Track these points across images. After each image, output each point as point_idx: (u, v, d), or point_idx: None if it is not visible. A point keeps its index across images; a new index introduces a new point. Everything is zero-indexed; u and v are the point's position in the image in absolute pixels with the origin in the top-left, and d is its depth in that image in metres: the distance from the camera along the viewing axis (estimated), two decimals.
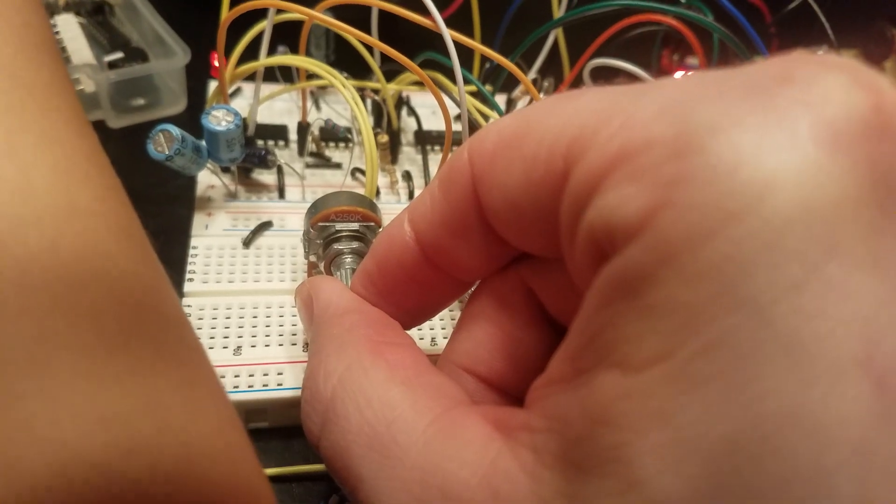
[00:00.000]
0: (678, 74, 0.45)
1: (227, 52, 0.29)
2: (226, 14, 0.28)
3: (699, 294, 0.10)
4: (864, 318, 0.10)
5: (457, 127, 0.36)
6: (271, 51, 0.36)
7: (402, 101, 0.37)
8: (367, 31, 0.33)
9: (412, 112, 0.37)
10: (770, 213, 0.10)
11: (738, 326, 0.10)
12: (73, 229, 0.14)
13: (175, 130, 0.27)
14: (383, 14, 0.27)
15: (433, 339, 0.28)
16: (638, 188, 0.11)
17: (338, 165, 0.34)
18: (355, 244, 0.26)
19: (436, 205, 0.17)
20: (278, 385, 0.24)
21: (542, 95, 0.38)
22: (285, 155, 0.34)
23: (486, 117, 0.32)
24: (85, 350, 0.13)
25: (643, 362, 0.11)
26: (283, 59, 0.29)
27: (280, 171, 0.32)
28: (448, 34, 0.26)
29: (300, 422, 0.17)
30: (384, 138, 0.33)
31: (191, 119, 0.37)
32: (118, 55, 0.35)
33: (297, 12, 0.25)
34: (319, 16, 0.25)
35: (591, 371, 0.12)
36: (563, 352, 0.13)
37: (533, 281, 0.18)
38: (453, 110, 0.29)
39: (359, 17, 0.30)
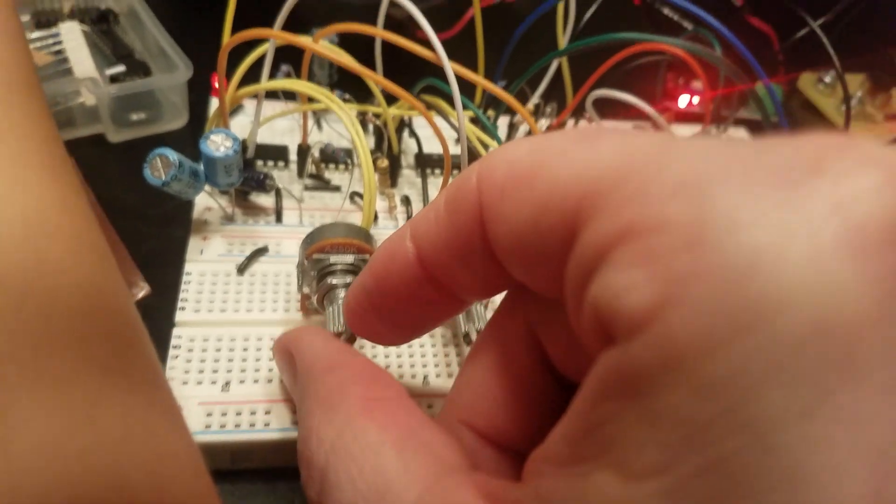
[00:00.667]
0: (683, 98, 0.45)
1: (230, 71, 0.29)
2: (227, 39, 0.28)
3: (703, 409, 0.10)
4: (878, 451, 0.10)
5: (455, 150, 0.36)
6: (274, 70, 0.35)
7: (403, 124, 0.37)
8: (371, 52, 0.33)
9: (413, 134, 0.37)
10: (784, 329, 0.10)
11: (740, 450, 0.10)
12: (40, 287, 0.14)
13: (173, 155, 0.27)
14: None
15: (425, 378, 0.27)
16: (647, 275, 0.11)
17: (337, 188, 0.34)
18: (349, 278, 0.26)
19: (441, 225, 0.17)
20: (265, 426, 0.24)
21: (543, 121, 0.38)
22: (284, 176, 0.34)
23: (485, 145, 0.31)
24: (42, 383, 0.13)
25: (642, 471, 0.11)
26: (283, 83, 0.29)
27: (278, 194, 0.32)
28: (449, 67, 0.26)
29: (286, 463, 0.17)
30: (384, 163, 0.33)
31: (192, 134, 0.37)
32: (120, 68, 0.35)
33: (297, 44, 0.24)
34: (318, 48, 0.25)
35: (588, 463, 0.12)
36: (562, 430, 0.13)
37: (539, 327, 0.17)
38: (454, 135, 0.29)
39: (363, 39, 0.29)
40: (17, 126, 0.16)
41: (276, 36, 0.24)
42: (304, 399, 0.18)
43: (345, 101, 0.36)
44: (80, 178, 0.19)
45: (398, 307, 0.19)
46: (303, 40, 0.25)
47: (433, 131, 0.27)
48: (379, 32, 0.26)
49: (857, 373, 0.10)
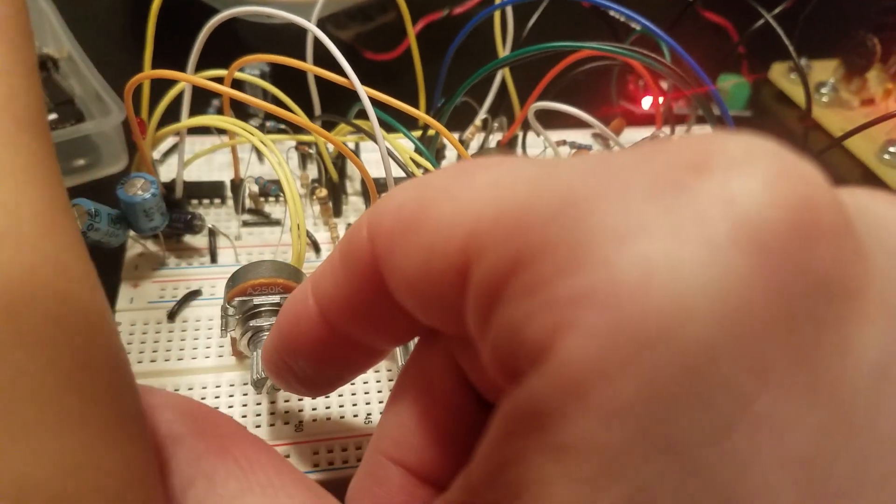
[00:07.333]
0: (646, 100, 0.43)
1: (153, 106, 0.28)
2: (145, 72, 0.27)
3: (614, 435, 0.09)
4: (803, 459, 0.09)
5: (398, 173, 0.35)
6: (205, 104, 0.35)
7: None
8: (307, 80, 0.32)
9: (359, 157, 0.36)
10: (689, 340, 0.09)
11: (661, 475, 0.09)
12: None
13: (88, 205, 0.26)
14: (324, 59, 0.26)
15: (368, 416, 0.26)
16: (537, 304, 0.10)
17: (277, 222, 0.33)
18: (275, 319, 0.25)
19: (338, 282, 0.16)
20: None
21: (492, 138, 0.37)
22: (222, 213, 0.33)
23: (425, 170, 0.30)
24: None
25: None
26: (204, 119, 0.28)
27: (212, 233, 0.31)
28: (364, 93, 0.25)
29: None
30: (322, 192, 0.32)
31: None
32: (52, 116, 0.34)
33: (207, 87, 0.23)
34: (227, 90, 0.24)
35: None
36: (467, 479, 0.12)
37: (461, 357, 0.16)
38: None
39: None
40: (21, 170, 0.15)
41: (182, 78, 0.23)
42: None
43: (279, 131, 0.35)
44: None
45: (313, 365, 0.18)
46: (213, 84, 0.24)
47: (379, 156, 0.26)
48: (294, 63, 0.25)
49: (775, 377, 0.09)
